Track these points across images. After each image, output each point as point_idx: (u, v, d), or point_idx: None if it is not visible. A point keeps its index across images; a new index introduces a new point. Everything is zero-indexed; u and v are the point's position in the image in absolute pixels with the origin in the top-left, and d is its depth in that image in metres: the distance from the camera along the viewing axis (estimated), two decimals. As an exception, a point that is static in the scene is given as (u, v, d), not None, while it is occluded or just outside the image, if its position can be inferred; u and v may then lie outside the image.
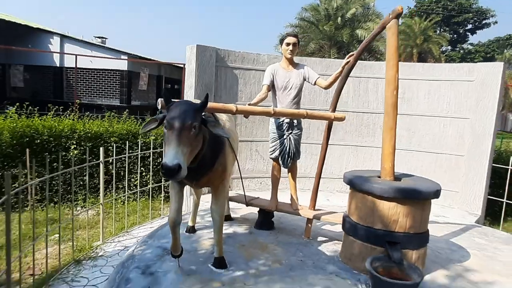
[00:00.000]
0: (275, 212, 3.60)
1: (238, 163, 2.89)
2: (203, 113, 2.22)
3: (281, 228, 3.69)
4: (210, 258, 2.81)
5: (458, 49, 36.73)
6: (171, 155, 1.87)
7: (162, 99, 2.18)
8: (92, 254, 3.46)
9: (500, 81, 4.56)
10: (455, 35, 36.48)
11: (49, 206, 4.02)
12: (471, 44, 37.56)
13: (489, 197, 4.82)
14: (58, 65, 13.78)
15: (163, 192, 4.86)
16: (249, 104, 3.04)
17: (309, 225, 3.43)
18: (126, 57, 13.70)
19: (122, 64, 13.52)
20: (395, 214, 2.62)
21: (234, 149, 2.78)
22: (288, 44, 3.33)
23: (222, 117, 2.82)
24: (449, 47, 35.50)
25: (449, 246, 3.45)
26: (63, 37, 13.67)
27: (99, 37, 19.20)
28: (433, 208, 2.86)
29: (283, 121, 3.37)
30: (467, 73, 4.85)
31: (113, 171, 4.29)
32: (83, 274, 3.06)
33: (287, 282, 2.58)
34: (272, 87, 3.44)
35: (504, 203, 4.73)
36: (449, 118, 4.98)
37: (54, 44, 13.54)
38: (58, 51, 13.22)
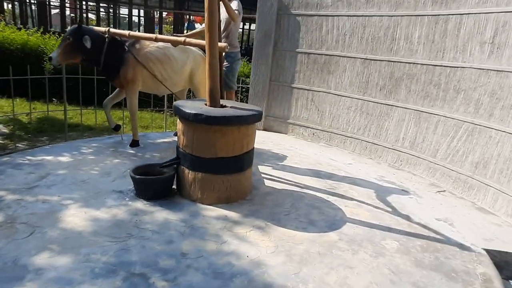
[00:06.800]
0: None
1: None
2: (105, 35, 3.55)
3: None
4: (149, 146, 4.11)
5: None
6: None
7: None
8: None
9: None
10: None
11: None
12: None
13: None
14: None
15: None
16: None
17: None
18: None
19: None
20: (180, 131, 2.81)
21: (153, 69, 3.74)
22: None
23: (154, 44, 3.81)
24: None
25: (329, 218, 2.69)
26: None
27: None
28: None
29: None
30: None
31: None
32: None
33: (142, 158, 3.50)
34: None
35: None
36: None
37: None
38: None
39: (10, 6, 21.79)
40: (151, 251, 2.11)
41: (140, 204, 2.67)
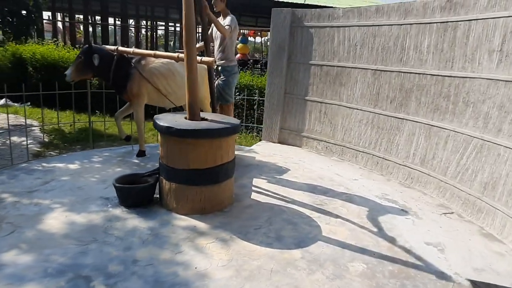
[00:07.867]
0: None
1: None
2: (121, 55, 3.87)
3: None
4: (155, 156, 4.33)
5: None
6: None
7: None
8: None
9: None
10: None
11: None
12: None
13: None
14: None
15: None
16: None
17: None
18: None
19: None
20: (159, 142, 2.94)
21: (157, 84, 3.97)
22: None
23: (160, 60, 4.04)
24: None
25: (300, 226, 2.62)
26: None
27: None
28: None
29: (216, 68, 3.86)
30: None
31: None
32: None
33: (144, 167, 3.71)
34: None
35: None
36: None
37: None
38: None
39: (82, 27, 24.49)
40: (106, 256, 2.24)
41: (119, 211, 2.84)
